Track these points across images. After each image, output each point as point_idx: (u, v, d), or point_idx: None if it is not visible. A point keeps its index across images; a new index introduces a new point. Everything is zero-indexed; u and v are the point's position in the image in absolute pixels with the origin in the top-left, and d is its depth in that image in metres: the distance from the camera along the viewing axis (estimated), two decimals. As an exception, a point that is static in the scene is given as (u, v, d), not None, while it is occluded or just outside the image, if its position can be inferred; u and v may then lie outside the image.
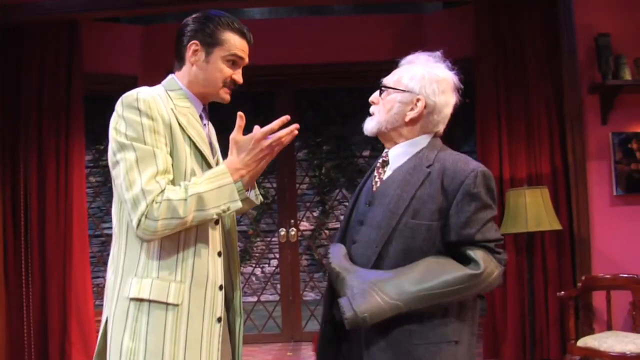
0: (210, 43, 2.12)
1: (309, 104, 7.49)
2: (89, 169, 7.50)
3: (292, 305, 6.03)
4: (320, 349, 2.16)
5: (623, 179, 4.63)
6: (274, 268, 8.36)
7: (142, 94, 2.01)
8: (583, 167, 4.65)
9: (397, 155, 2.10)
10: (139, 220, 1.91)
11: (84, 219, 5.06)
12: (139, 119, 1.97)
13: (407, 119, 2.08)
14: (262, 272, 8.32)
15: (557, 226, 4.34)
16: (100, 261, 7.24)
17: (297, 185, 6.36)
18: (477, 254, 1.96)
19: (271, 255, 8.48)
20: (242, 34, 2.18)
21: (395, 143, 2.11)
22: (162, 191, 1.93)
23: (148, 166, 1.94)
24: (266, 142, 2.01)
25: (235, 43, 2.14)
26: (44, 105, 4.94)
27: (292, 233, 5.90)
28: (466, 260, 1.96)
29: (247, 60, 2.19)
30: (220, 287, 2.07)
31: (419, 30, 5.87)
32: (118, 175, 1.97)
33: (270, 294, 7.09)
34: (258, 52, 5.88)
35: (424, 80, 2.08)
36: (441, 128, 2.14)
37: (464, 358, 2.00)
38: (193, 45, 2.12)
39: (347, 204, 8.78)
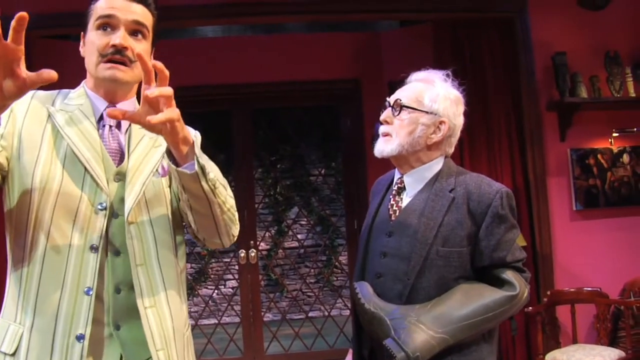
0: (86, 23, 1.71)
1: (265, 122, 7.43)
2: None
3: (253, 327, 5.91)
4: None
5: (582, 194, 4.72)
6: (231, 289, 8.23)
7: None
8: (543, 184, 4.72)
9: (414, 181, 2.03)
10: None
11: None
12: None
13: (429, 142, 2.01)
14: (220, 293, 8.15)
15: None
16: None
17: (257, 205, 6.29)
18: (510, 275, 1.94)
19: (229, 276, 8.34)
20: None
21: (412, 167, 2.04)
22: None
23: None
24: None
25: (100, 5, 1.67)
26: None
27: (252, 254, 5.80)
28: (498, 282, 1.93)
29: (127, 17, 1.66)
30: (79, 338, 1.54)
31: (376, 48, 5.90)
32: None
33: (227, 316, 6.95)
34: (212, 71, 5.87)
35: (447, 101, 2.02)
36: (453, 149, 2.09)
37: None
38: (82, 40, 1.73)
39: (303, 222, 8.75)
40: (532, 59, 4.76)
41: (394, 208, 2.05)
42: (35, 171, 1.60)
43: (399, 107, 2.02)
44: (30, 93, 1.66)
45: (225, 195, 1.69)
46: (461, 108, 2.06)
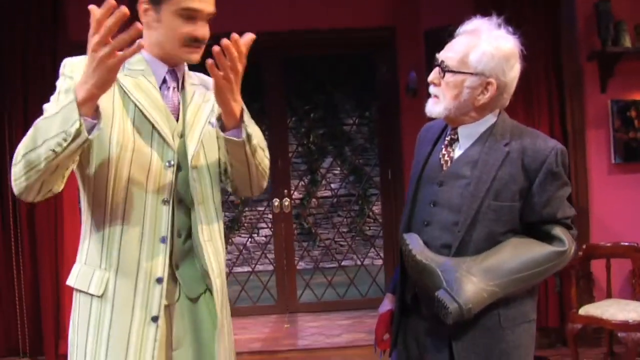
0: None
1: (297, 72, 7.35)
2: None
3: (286, 276, 5.99)
4: (394, 338, 2.11)
5: (621, 148, 4.61)
6: (264, 238, 8.32)
7: (72, 58, 1.81)
8: (582, 136, 4.63)
9: (468, 134, 1.99)
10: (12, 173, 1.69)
11: (75, 198, 4.93)
12: (60, 82, 1.76)
13: (477, 104, 1.95)
14: (253, 241, 8.25)
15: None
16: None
17: (290, 155, 6.31)
18: (559, 232, 1.93)
19: (262, 225, 8.42)
20: None
21: (463, 123, 1.99)
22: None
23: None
24: (95, 40, 1.53)
25: None
26: (30, 77, 4.76)
27: (286, 204, 5.84)
28: (547, 238, 1.93)
29: (208, 10, 1.82)
30: (159, 280, 1.76)
31: (411, -5, 5.75)
32: None
33: (261, 264, 7.05)
34: (243, 19, 5.79)
35: (494, 59, 1.91)
36: (508, 102, 2.02)
37: (534, 333, 2.01)
38: (142, 5, 1.84)
39: (336, 172, 8.75)
40: (574, 6, 4.61)
41: (446, 158, 2.03)
42: (112, 135, 1.75)
43: (444, 68, 1.95)
44: (72, 66, 1.80)
45: (262, 157, 1.88)
46: (514, 61, 1.96)
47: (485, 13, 4.89)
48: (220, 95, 1.72)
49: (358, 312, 5.83)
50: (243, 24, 5.69)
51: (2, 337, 4.70)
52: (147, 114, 1.79)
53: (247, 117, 1.77)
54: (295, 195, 8.21)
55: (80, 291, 1.79)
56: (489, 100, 1.94)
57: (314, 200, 8.50)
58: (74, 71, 1.75)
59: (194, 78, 1.97)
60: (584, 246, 4.36)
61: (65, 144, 1.56)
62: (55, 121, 1.58)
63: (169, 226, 1.78)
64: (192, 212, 1.83)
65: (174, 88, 1.88)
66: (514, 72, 1.97)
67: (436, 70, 1.97)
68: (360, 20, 5.76)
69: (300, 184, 8.32)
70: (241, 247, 7.76)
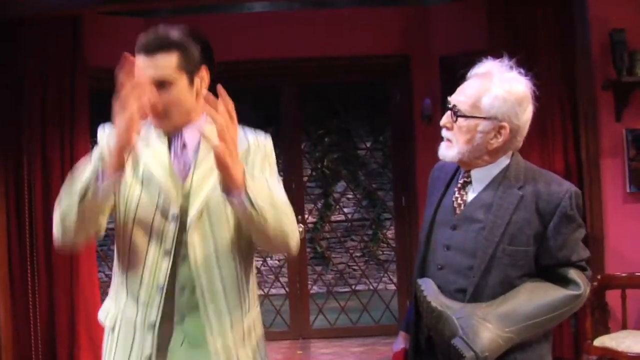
0: None
1: (313, 96, 7.41)
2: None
3: (299, 301, 5.99)
4: None
5: (637, 176, 4.59)
6: (277, 262, 8.32)
7: (108, 125, 1.90)
8: (596, 165, 4.60)
9: (481, 177, 1.99)
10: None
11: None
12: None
13: (490, 148, 1.94)
14: (266, 265, 8.26)
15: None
16: (103, 256, 7.15)
17: (304, 179, 6.34)
18: (574, 274, 1.93)
19: (274, 249, 8.43)
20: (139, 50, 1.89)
21: (477, 166, 1.99)
22: None
23: None
24: (121, 97, 1.72)
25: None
26: (48, 101, 4.83)
27: (300, 230, 5.84)
28: (563, 281, 1.93)
29: (149, 74, 1.84)
30: (152, 326, 1.88)
31: (425, 23, 5.81)
32: None
33: (274, 288, 7.05)
34: (261, 46, 5.87)
35: (506, 103, 1.91)
36: (521, 144, 2.01)
37: None
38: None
39: (350, 196, 8.76)
40: (589, 35, 4.60)
41: (459, 201, 2.02)
42: (123, 191, 1.91)
43: (457, 112, 1.95)
44: (101, 134, 1.97)
45: (278, 216, 1.82)
46: (526, 104, 1.96)
47: (498, 40, 4.96)
48: (219, 161, 1.71)
49: (371, 339, 5.81)
50: (262, 51, 5.85)
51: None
52: (153, 171, 1.90)
53: (249, 180, 1.76)
54: (310, 219, 8.23)
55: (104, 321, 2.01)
56: (502, 144, 1.94)
57: (327, 224, 8.51)
58: (101, 138, 1.93)
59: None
60: (599, 277, 4.32)
61: (92, 189, 1.73)
62: (85, 171, 1.77)
63: (167, 277, 1.88)
64: (193, 274, 1.90)
65: (183, 147, 1.94)
66: (527, 114, 1.97)
67: (448, 114, 1.98)
68: (376, 47, 5.82)
69: (314, 208, 8.34)
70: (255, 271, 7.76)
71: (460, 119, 1.94)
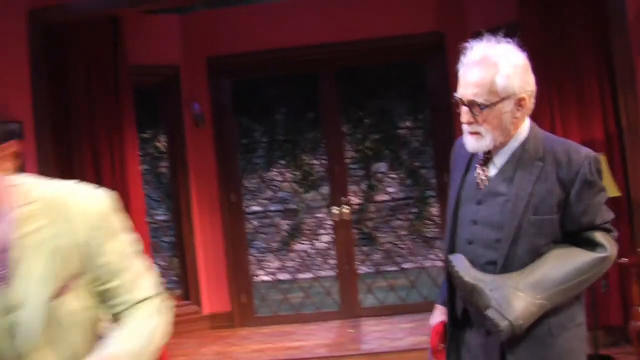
0: None
1: (351, 79, 7.48)
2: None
3: (348, 281, 6.11)
4: (448, 350, 2.19)
5: (679, 140, 4.54)
6: (325, 244, 8.45)
7: None
8: (637, 130, 4.56)
9: (502, 152, 2.06)
10: None
11: (142, 209, 5.18)
12: None
13: (516, 122, 2.03)
14: (314, 248, 8.40)
15: (615, 193, 4.30)
16: (154, 248, 7.39)
17: (346, 163, 6.43)
18: (600, 237, 2.01)
19: (321, 231, 8.55)
20: None
21: (501, 142, 2.06)
22: None
23: None
24: None
25: None
26: (94, 101, 5.04)
27: (346, 211, 5.96)
28: (589, 244, 2.00)
29: None
30: None
31: (457, 0, 5.80)
32: None
33: (323, 270, 7.18)
34: (295, 33, 5.98)
35: (517, 76, 1.99)
36: (534, 104, 2.09)
37: (585, 336, 2.09)
38: None
39: (393, 175, 8.80)
40: (624, 1, 4.56)
41: (482, 177, 2.09)
42: None
43: (478, 107, 2.00)
44: None
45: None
46: (528, 68, 2.04)
47: (531, 12, 4.94)
48: None
49: (420, 315, 5.86)
50: (299, 37, 5.95)
51: None
52: None
53: None
54: (354, 200, 8.32)
55: None
56: (525, 112, 2.03)
57: (372, 205, 8.58)
58: None
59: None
60: (645, 242, 4.32)
61: None
62: None
63: None
64: None
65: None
66: (532, 77, 2.05)
67: (466, 111, 2.02)
68: (409, 26, 5.86)
69: (359, 189, 8.42)
70: (303, 254, 7.91)
71: (484, 111, 1.99)
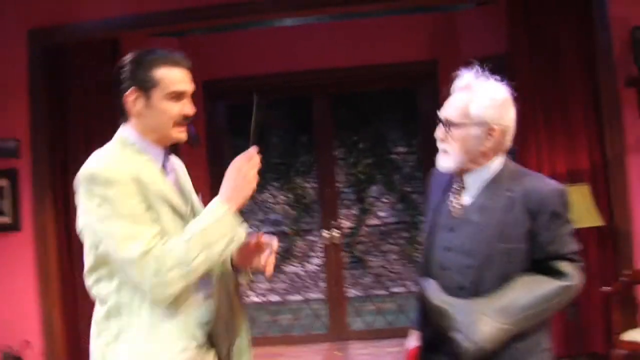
0: (146, 86, 2.01)
1: (345, 105, 7.59)
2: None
3: (337, 304, 6.15)
4: None
5: (663, 172, 4.63)
6: (315, 267, 8.50)
7: (101, 164, 1.96)
8: (622, 161, 4.65)
9: (474, 181, 2.17)
10: (151, 283, 1.84)
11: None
12: (105, 191, 1.89)
13: (483, 150, 2.13)
14: (304, 270, 8.45)
15: (598, 223, 4.38)
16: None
17: (338, 186, 6.51)
18: (566, 267, 2.09)
19: (312, 254, 8.60)
20: (176, 64, 2.05)
21: (470, 170, 2.17)
22: (162, 245, 1.87)
23: (137, 231, 1.87)
24: (246, 167, 1.96)
25: (172, 78, 2.02)
26: (92, 122, 5.10)
27: (336, 235, 6.02)
28: (556, 273, 2.08)
29: (190, 88, 2.07)
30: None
31: (451, 29, 5.94)
32: (111, 252, 1.90)
33: (313, 292, 7.23)
34: (291, 58, 6.09)
35: (493, 107, 2.11)
36: (511, 143, 2.20)
37: None
38: (130, 95, 2.02)
39: (385, 200, 8.88)
40: (610, 33, 4.66)
41: (455, 205, 2.19)
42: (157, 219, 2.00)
43: (449, 125, 2.15)
44: (113, 172, 1.95)
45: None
46: (508, 106, 2.15)
47: (520, 43, 5.05)
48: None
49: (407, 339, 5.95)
50: (295, 63, 6.05)
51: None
52: (168, 199, 1.98)
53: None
54: (346, 224, 8.39)
55: None
56: (494, 144, 2.12)
57: (364, 228, 8.65)
58: (120, 174, 1.93)
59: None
60: (627, 272, 4.39)
61: (231, 246, 1.92)
62: (212, 231, 1.88)
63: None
64: None
65: (169, 169, 2.11)
66: (511, 115, 2.16)
67: (441, 127, 2.17)
68: (403, 54, 5.98)
69: (350, 212, 8.49)
70: (293, 276, 7.96)
71: (453, 130, 2.13)
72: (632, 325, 4.38)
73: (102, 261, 1.96)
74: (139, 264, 1.83)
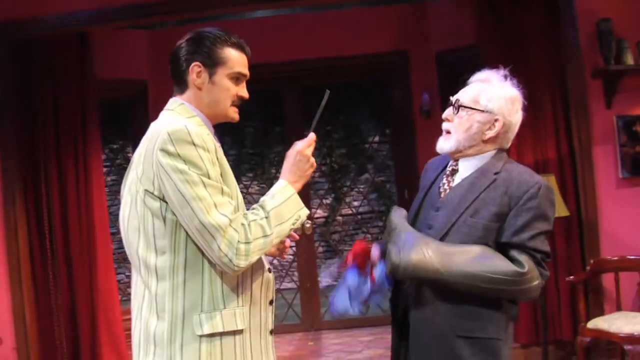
0: (212, 63, 2.06)
1: (315, 97, 7.61)
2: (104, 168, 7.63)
3: (310, 294, 6.19)
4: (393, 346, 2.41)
5: (628, 162, 4.71)
6: (288, 257, 8.53)
7: (189, 127, 1.94)
8: (589, 152, 4.73)
9: (468, 166, 2.24)
10: (235, 249, 1.87)
11: (105, 220, 5.21)
12: (197, 152, 1.91)
13: (485, 138, 2.21)
14: (277, 260, 8.48)
15: (564, 213, 4.45)
16: (120, 259, 7.40)
17: (312, 176, 6.51)
18: (524, 257, 2.11)
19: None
20: (241, 48, 2.12)
21: (466, 157, 2.24)
22: (245, 215, 1.96)
23: (221, 197, 1.91)
24: (307, 151, 2.12)
25: (237, 60, 2.09)
26: (60, 114, 5.05)
27: (307, 225, 6.04)
28: (513, 262, 2.11)
29: (248, 74, 2.14)
30: (271, 302, 2.11)
31: (420, 20, 5.97)
32: (192, 216, 1.88)
33: (287, 282, 7.26)
34: (262, 50, 6.06)
35: (502, 100, 2.20)
36: (510, 143, 2.27)
37: (501, 356, 2.14)
38: (195, 67, 2.05)
39: (359, 189, 8.94)
40: (576, 26, 4.71)
41: (445, 187, 2.27)
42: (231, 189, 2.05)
43: (458, 106, 2.23)
44: (202, 137, 1.96)
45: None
46: (518, 106, 2.24)
47: (489, 34, 5.08)
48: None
49: (379, 329, 5.99)
50: (265, 54, 6.05)
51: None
52: (232, 175, 2.05)
53: None
54: (320, 213, 8.43)
55: (225, 333, 1.96)
56: (495, 135, 2.20)
57: (337, 218, 8.69)
58: (205, 141, 1.94)
59: None
60: (592, 261, 4.48)
61: (297, 224, 2.03)
62: (284, 210, 2.00)
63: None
64: None
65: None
66: (518, 115, 2.25)
67: (450, 108, 2.25)
68: (374, 46, 5.99)
69: (323, 203, 8.52)
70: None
71: (461, 111, 2.21)
72: (599, 314, 4.46)
73: (170, 230, 1.95)
74: (227, 230, 1.88)
